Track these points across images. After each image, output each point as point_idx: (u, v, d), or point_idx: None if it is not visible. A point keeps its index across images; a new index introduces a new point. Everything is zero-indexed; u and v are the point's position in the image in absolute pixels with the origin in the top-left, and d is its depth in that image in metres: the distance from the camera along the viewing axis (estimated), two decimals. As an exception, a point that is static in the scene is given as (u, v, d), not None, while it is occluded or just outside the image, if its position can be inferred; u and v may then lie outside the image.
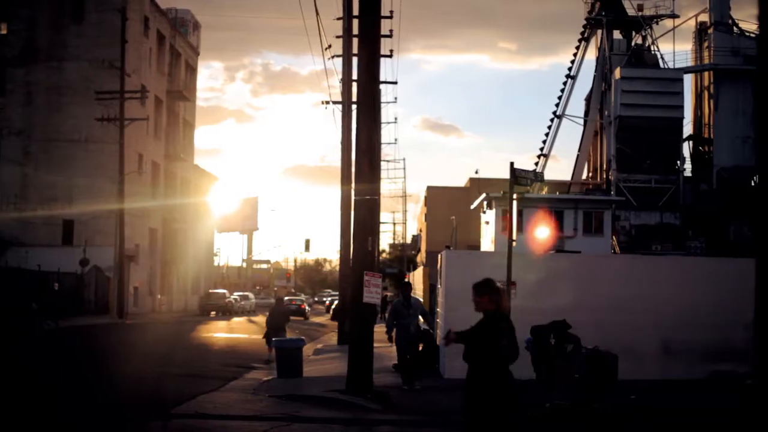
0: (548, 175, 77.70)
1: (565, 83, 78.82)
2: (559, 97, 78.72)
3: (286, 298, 64.07)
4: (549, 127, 78.73)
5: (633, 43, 79.01)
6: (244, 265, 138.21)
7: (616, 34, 79.55)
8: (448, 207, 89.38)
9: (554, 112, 78.54)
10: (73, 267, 61.85)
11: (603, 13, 78.00)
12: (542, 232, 54.22)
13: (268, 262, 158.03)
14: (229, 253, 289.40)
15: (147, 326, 54.84)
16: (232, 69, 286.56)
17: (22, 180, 68.28)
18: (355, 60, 31.27)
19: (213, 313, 77.45)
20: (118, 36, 64.81)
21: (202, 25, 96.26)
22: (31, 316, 44.29)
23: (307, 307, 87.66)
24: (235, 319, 68.94)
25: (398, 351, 22.15)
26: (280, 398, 20.23)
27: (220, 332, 49.50)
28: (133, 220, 68.52)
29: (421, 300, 33.77)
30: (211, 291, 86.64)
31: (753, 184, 65.97)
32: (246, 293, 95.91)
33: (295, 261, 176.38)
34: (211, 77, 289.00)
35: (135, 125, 66.09)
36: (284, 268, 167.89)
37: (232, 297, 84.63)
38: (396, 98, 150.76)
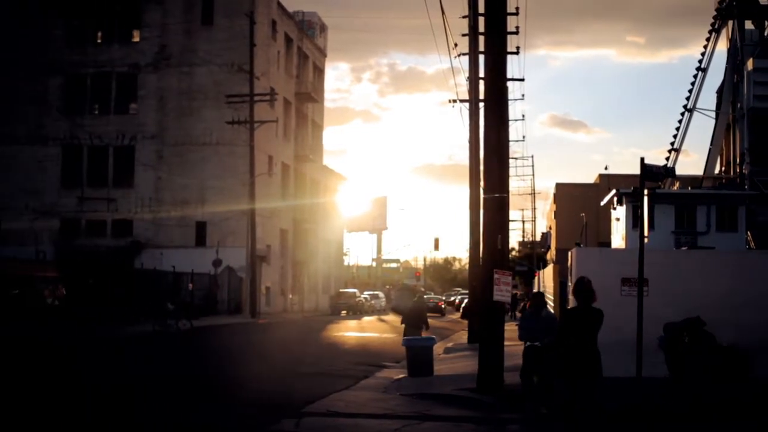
0: (679, 170, 76.24)
1: (695, 76, 77.29)
2: (690, 91, 77.24)
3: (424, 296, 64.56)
4: (680, 121, 77.36)
5: (766, 33, 77.06)
6: (374, 264, 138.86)
7: (748, 24, 77.61)
8: (577, 204, 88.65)
9: (685, 106, 77.12)
10: (206, 268, 62.92)
11: (734, 3, 76.27)
12: None
13: (397, 261, 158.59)
14: (359, 252, 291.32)
15: (279, 325, 55.50)
16: (358, 70, 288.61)
17: (155, 183, 69.72)
18: (481, 58, 31.15)
19: (344, 312, 78.04)
20: (247, 40, 65.78)
21: (329, 26, 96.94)
22: (167, 317, 45.20)
23: (443, 305, 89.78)
24: (366, 318, 69.32)
25: (522, 365, 19.54)
26: (410, 397, 20.27)
27: (350, 331, 49.80)
28: (264, 221, 69.44)
29: (551, 299, 33.41)
30: (341, 290, 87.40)
31: None
32: (376, 292, 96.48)
33: (425, 260, 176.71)
34: (338, 78, 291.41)
35: (264, 127, 66.93)
36: (414, 267, 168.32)
37: (363, 296, 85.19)
38: (523, 95, 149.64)
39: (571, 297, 24.96)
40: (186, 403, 19.27)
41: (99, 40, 73.35)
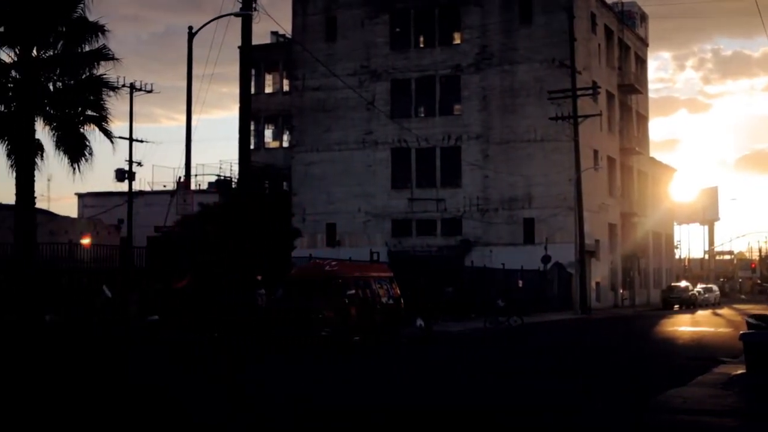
0: None
1: None
2: None
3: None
4: None
5: None
6: (706, 256, 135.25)
7: None
8: None
9: None
10: (535, 264, 63.15)
11: None
12: None
13: (731, 252, 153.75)
14: (690, 244, 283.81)
15: (609, 321, 55.16)
16: (680, 58, 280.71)
17: (482, 182, 70.54)
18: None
19: (676, 306, 76.78)
20: (566, 35, 65.54)
21: (648, 15, 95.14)
22: (497, 313, 45.67)
23: None
24: (699, 312, 67.79)
25: None
26: (750, 393, 19.63)
27: (683, 326, 48.80)
28: (591, 216, 68.92)
29: None
30: (673, 284, 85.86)
31: None
32: (710, 285, 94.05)
33: (760, 251, 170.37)
34: (659, 68, 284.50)
35: (588, 121, 66.44)
36: (748, 259, 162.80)
37: (696, 290, 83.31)
38: None
39: None
40: (515, 394, 19.43)
41: (421, 45, 75.04)
